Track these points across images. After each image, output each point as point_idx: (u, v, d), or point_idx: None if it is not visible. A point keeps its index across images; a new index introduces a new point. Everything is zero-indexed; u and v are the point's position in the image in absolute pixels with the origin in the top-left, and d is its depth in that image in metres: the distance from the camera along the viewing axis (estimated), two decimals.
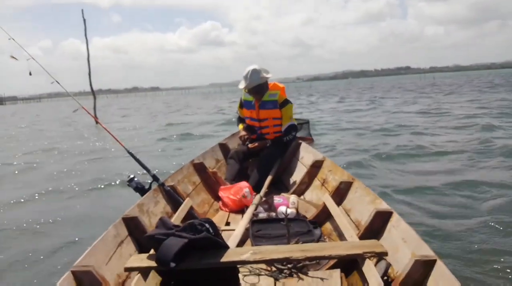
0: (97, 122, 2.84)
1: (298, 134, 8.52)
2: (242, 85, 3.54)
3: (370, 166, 5.90)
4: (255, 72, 3.45)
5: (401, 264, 1.58)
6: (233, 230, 2.34)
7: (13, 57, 2.65)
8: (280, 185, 3.53)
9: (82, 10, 17.90)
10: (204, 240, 1.60)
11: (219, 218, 2.84)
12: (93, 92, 18.31)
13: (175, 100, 48.89)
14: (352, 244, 1.75)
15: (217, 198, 3.18)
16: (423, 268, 1.44)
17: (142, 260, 1.62)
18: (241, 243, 2.18)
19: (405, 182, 4.92)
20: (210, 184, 3.29)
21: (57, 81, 2.67)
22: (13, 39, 2.59)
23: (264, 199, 2.91)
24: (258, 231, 2.37)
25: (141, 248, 1.96)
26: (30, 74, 2.63)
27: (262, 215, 2.70)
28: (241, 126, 3.86)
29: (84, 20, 17.37)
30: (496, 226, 3.24)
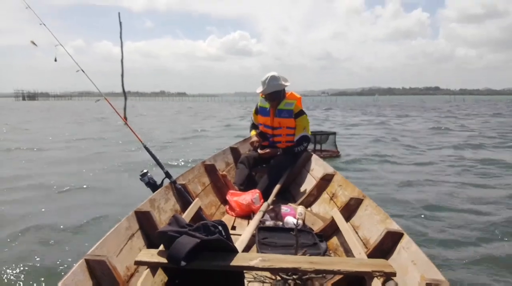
0: (123, 119, 2.89)
1: (324, 147, 8.50)
2: (259, 89, 3.59)
3: None
4: (273, 78, 3.50)
5: None
6: (239, 234, 2.35)
7: (33, 42, 2.70)
8: (288, 195, 3.53)
9: (119, 14, 18.19)
10: (216, 242, 1.61)
11: (225, 222, 2.84)
12: (125, 93, 18.67)
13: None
14: (361, 262, 1.75)
15: (225, 201, 3.19)
16: None
17: (152, 255, 1.63)
18: (247, 249, 2.18)
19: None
20: (219, 186, 3.30)
21: (82, 70, 2.72)
22: (44, 24, 2.64)
23: (271, 207, 2.92)
24: (265, 238, 2.38)
25: (150, 243, 1.97)
26: (56, 60, 2.68)
27: (269, 223, 2.71)
28: (253, 132, 3.89)
29: (120, 23, 17.61)
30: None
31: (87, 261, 1.48)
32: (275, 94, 3.53)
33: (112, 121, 18.91)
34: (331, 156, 8.16)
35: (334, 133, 8.64)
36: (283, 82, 3.53)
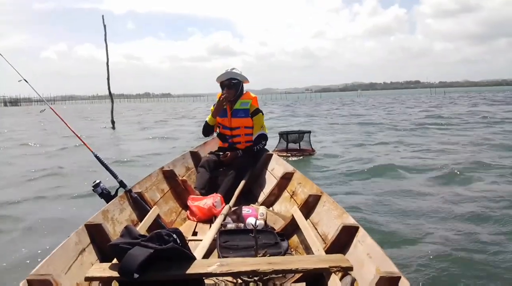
0: (68, 127, 2.74)
1: (298, 146, 8.42)
2: (219, 79, 3.65)
3: None
4: (234, 70, 3.66)
5: (366, 280, 1.61)
6: (200, 240, 2.31)
7: None
8: (250, 196, 3.52)
9: (103, 16, 18.06)
10: (170, 250, 1.56)
11: (186, 228, 2.79)
12: (111, 96, 18.38)
13: None
14: (319, 258, 1.77)
15: (185, 207, 3.13)
16: (387, 284, 1.46)
17: (104, 270, 1.56)
18: (208, 254, 2.14)
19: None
20: (179, 192, 3.24)
21: (25, 80, 2.59)
22: None
23: (233, 209, 2.89)
24: (226, 242, 2.35)
25: (103, 257, 1.89)
26: None
27: (231, 225, 2.67)
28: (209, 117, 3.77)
29: (105, 26, 17.43)
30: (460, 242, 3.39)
31: (29, 282, 1.38)
32: (235, 82, 3.60)
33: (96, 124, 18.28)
34: (304, 154, 7.99)
35: (309, 132, 8.56)
36: (241, 77, 3.65)
